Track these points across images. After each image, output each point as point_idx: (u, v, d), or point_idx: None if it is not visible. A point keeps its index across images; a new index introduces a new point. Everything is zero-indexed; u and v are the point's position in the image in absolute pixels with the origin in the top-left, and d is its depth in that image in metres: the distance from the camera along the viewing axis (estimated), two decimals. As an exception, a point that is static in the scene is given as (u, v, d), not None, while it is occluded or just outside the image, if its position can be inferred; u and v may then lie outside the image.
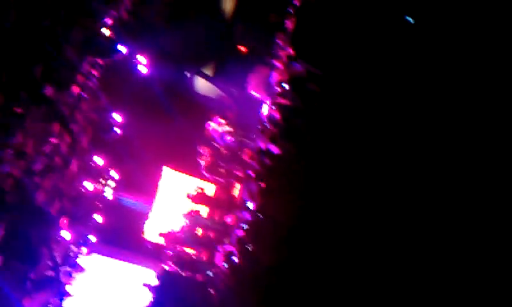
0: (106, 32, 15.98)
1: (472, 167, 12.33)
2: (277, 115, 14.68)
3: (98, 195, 17.76)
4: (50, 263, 15.69)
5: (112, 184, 18.14)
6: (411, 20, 13.39)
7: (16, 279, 14.42)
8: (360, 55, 14.04)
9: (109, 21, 16.11)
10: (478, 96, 12.63)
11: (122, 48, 16.08)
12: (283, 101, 14.66)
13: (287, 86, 14.64)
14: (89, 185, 17.07)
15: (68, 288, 16.65)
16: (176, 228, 17.64)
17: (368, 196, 13.09)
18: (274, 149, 14.29)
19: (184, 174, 19.11)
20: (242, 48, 19.63)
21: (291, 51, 15.07)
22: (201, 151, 17.83)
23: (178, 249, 17.53)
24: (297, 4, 15.54)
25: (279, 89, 14.89)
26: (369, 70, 13.94)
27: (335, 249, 13.08)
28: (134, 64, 18.20)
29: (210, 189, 18.34)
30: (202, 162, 17.83)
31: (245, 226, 14.64)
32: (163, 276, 15.91)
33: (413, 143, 12.90)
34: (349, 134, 13.86)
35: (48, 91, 14.17)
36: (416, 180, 12.72)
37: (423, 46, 13.44)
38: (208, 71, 20.30)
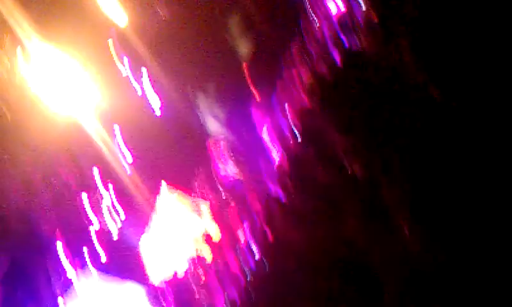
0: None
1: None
2: (287, 160, 14.66)
3: (104, 230, 17.68)
4: (50, 294, 15.60)
5: (119, 220, 18.06)
6: None
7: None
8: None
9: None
10: None
11: (136, 85, 16.16)
12: (293, 147, 14.64)
13: (298, 132, 14.64)
14: (95, 219, 17.01)
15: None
16: (180, 270, 17.53)
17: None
18: (282, 196, 14.23)
19: (190, 213, 19.01)
20: (256, 92, 19.69)
21: (306, 99, 15.10)
22: (204, 192, 17.82)
23: (181, 291, 17.39)
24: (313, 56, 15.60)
25: (290, 135, 14.88)
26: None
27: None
28: (147, 101, 18.28)
29: (215, 232, 18.23)
30: (206, 205, 17.81)
31: (249, 272, 14.53)
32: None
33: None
34: (360, 185, 13.72)
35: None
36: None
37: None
38: (220, 111, 20.34)
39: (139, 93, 16.62)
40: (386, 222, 12.30)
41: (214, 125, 20.50)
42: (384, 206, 12.42)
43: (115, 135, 15.70)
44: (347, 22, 13.95)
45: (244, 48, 19.78)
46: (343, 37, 13.81)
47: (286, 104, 15.94)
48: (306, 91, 14.81)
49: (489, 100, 11.03)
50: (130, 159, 17.28)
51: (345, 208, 13.13)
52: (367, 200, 12.72)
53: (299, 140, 14.43)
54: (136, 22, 14.23)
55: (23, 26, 11.23)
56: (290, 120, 15.49)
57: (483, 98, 11.07)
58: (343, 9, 14.12)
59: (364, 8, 13.98)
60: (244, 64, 19.03)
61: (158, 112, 18.10)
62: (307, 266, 13.21)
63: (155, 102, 18.06)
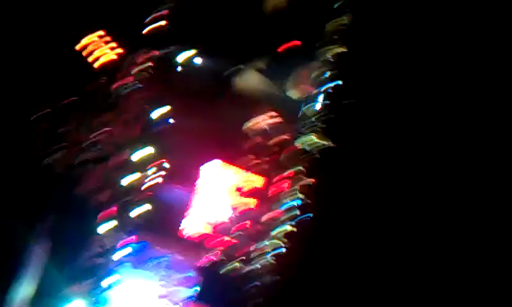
0: (161, 23, 16.11)
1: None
2: (327, 111, 14.61)
3: (146, 185, 17.79)
4: (100, 249, 15.90)
5: (161, 174, 18.16)
6: None
7: (65, 265, 14.70)
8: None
9: (164, 12, 16.21)
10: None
11: (177, 40, 16.16)
12: (333, 97, 14.58)
13: (340, 82, 14.57)
14: (137, 175, 17.11)
15: (116, 275, 16.80)
16: (224, 219, 17.67)
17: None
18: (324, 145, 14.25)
19: (232, 167, 19.05)
20: (296, 44, 19.49)
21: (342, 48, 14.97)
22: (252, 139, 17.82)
23: (225, 240, 17.57)
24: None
25: (330, 85, 14.81)
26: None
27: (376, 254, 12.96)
28: (188, 56, 18.28)
29: (259, 182, 18.26)
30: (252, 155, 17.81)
31: (292, 222, 14.64)
32: (207, 268, 15.93)
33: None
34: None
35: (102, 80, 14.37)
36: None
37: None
38: (261, 65, 20.20)
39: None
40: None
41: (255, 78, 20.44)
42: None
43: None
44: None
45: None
46: None
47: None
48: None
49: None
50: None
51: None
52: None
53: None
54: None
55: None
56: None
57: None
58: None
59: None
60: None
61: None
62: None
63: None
